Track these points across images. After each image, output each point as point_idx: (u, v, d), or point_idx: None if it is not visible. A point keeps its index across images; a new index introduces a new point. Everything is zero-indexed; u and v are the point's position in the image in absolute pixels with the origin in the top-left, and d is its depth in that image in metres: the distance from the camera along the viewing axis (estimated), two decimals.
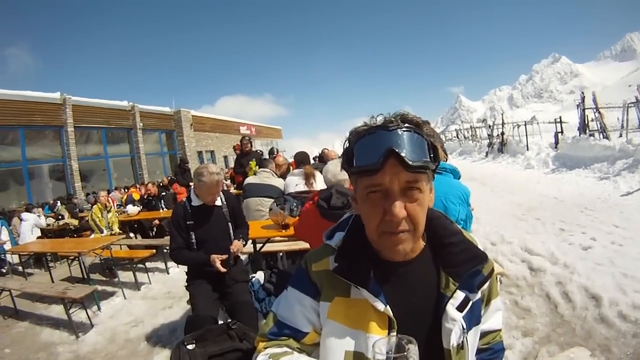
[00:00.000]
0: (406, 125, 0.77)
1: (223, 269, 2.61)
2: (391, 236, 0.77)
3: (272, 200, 3.94)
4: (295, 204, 3.66)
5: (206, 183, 2.62)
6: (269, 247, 3.80)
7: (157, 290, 4.95)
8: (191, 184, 2.82)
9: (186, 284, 2.76)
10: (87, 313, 3.97)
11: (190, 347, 1.22)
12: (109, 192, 10.69)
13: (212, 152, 22.52)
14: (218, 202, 2.82)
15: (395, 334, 0.73)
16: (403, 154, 0.72)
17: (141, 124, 17.51)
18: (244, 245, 2.93)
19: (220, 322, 2.54)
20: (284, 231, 3.53)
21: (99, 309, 4.34)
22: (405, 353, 0.62)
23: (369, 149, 0.75)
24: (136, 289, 4.99)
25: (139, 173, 17.39)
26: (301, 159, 4.51)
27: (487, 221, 6.17)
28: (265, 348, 0.92)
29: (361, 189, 0.80)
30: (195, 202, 2.72)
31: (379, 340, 0.65)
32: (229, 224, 2.86)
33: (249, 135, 7.47)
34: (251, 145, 7.60)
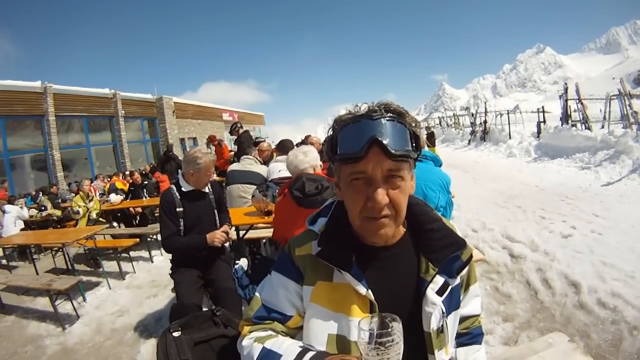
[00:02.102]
0: (389, 114, 0.78)
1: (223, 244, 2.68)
2: (374, 221, 0.79)
3: (255, 187, 3.94)
4: (277, 191, 3.67)
5: (204, 164, 2.62)
6: (251, 233, 3.78)
7: (142, 279, 4.93)
8: (179, 171, 2.77)
9: (170, 271, 2.75)
10: (72, 304, 3.93)
11: (176, 334, 1.22)
12: (91, 180, 10.51)
13: (194, 139, 22.19)
14: (206, 189, 2.81)
15: (378, 313, 0.75)
16: (386, 143, 0.74)
17: (123, 112, 17.15)
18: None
19: (205, 309, 2.55)
20: (266, 218, 3.53)
21: (84, 299, 4.30)
22: (389, 330, 0.64)
23: (353, 137, 0.77)
24: (121, 279, 4.96)
25: (121, 161, 17.08)
26: (285, 147, 4.51)
27: (468, 208, 6.27)
28: (251, 332, 0.94)
29: (345, 176, 0.81)
30: (186, 187, 2.69)
31: (364, 319, 0.67)
32: (215, 211, 2.87)
33: (239, 122, 7.31)
34: (238, 131, 7.50)
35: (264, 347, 0.86)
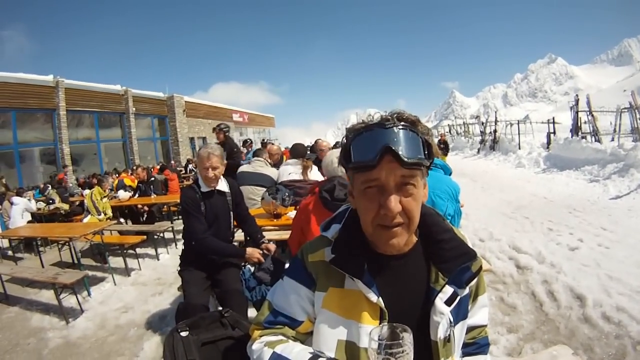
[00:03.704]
0: (402, 123, 0.79)
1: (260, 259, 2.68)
2: (386, 229, 0.81)
3: (264, 189, 3.95)
4: (287, 194, 3.67)
5: (200, 156, 2.63)
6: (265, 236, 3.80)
7: (147, 276, 4.96)
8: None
9: (179, 268, 2.76)
10: (77, 298, 3.96)
11: (183, 334, 1.23)
12: (108, 175, 10.64)
13: (204, 138, 22.30)
14: (225, 188, 2.80)
15: (388, 322, 0.76)
16: (399, 151, 0.75)
17: (134, 109, 17.35)
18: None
19: (211, 309, 2.56)
20: (275, 220, 3.53)
21: (89, 294, 4.33)
22: (400, 341, 0.65)
23: (367, 146, 0.78)
24: (126, 275, 5.00)
25: (130, 158, 17.28)
26: (298, 151, 4.51)
27: (476, 218, 6.23)
28: (261, 336, 0.94)
29: (358, 184, 0.83)
30: (204, 188, 2.69)
31: (375, 328, 0.68)
32: (231, 212, 2.86)
33: (224, 123, 6.45)
34: (225, 135, 6.30)
35: (274, 352, 0.87)
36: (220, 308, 1.45)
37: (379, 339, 0.65)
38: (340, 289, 0.89)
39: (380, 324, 0.82)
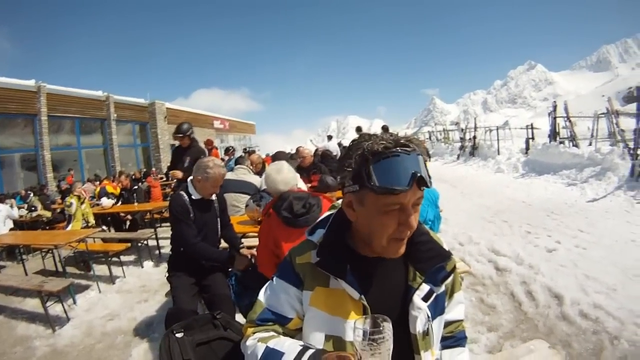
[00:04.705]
0: (417, 148, 0.86)
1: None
2: (400, 242, 0.90)
3: (248, 196, 4.01)
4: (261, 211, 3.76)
5: (212, 175, 2.64)
6: (244, 242, 3.86)
7: (132, 283, 4.94)
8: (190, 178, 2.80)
9: (167, 274, 2.79)
10: (63, 306, 3.93)
11: (179, 335, 1.29)
12: (82, 183, 10.46)
13: (201, 147, 22.00)
14: (212, 196, 2.85)
15: (370, 314, 0.84)
16: (425, 178, 0.84)
17: (115, 115, 17.14)
18: None
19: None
20: (259, 227, 3.60)
21: (74, 302, 4.30)
22: (380, 328, 0.73)
23: (396, 172, 0.83)
24: (111, 283, 4.96)
25: (112, 165, 17.01)
26: (281, 158, 4.59)
27: (455, 222, 6.35)
28: (254, 333, 1.02)
29: (380, 205, 0.86)
30: (195, 195, 2.72)
31: (358, 319, 0.76)
32: (218, 219, 2.92)
33: (187, 123, 5.39)
34: (191, 139, 5.28)
35: (267, 346, 0.94)
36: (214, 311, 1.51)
37: (362, 328, 0.73)
38: (325, 288, 0.97)
39: None
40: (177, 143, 5.48)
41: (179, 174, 5.00)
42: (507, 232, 5.63)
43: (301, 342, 0.95)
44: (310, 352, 0.88)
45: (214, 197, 2.88)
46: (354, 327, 0.75)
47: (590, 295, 3.35)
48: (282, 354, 0.90)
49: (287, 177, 2.28)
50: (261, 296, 1.07)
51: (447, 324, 1.10)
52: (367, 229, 0.92)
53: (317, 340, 0.95)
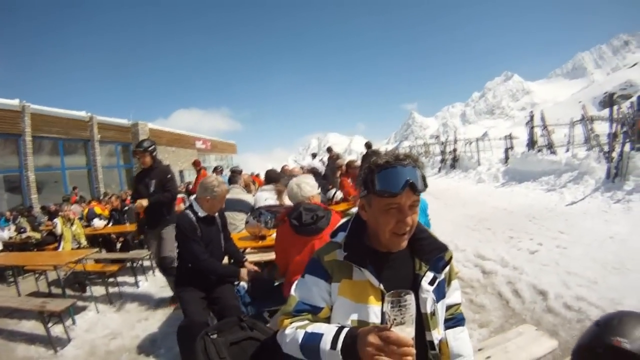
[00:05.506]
0: (412, 161, 1.12)
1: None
2: (400, 237, 1.14)
3: (243, 214, 4.19)
4: (269, 217, 3.97)
5: (220, 193, 2.90)
6: (247, 257, 4.02)
7: (130, 303, 4.95)
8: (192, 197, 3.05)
9: (176, 290, 2.92)
10: (64, 327, 3.93)
11: (214, 336, 1.45)
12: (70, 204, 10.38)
13: (167, 166, 21.83)
14: (216, 214, 3.06)
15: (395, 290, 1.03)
16: (417, 185, 1.09)
17: (99, 136, 16.99)
18: None
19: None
20: (260, 242, 3.81)
21: (74, 322, 4.30)
22: (405, 297, 0.90)
23: (393, 179, 1.09)
24: (108, 303, 4.97)
25: (95, 186, 16.78)
26: (272, 177, 4.80)
27: (441, 231, 6.42)
28: (291, 323, 1.19)
29: (381, 205, 1.12)
30: (202, 213, 2.91)
31: (388, 294, 0.93)
32: (221, 235, 3.12)
33: (148, 140, 4.87)
34: (153, 157, 4.65)
35: (306, 331, 1.12)
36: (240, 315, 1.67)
37: (392, 298, 0.90)
38: (350, 280, 1.18)
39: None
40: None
41: (144, 203, 4.16)
42: (491, 238, 5.88)
43: (337, 324, 1.12)
44: (346, 329, 1.06)
45: (216, 213, 3.07)
46: (385, 299, 0.92)
47: (573, 288, 3.60)
48: (321, 334, 1.08)
49: (306, 190, 2.59)
50: (293, 292, 1.26)
51: (448, 307, 1.33)
52: (374, 225, 1.17)
53: (346, 324, 1.12)
